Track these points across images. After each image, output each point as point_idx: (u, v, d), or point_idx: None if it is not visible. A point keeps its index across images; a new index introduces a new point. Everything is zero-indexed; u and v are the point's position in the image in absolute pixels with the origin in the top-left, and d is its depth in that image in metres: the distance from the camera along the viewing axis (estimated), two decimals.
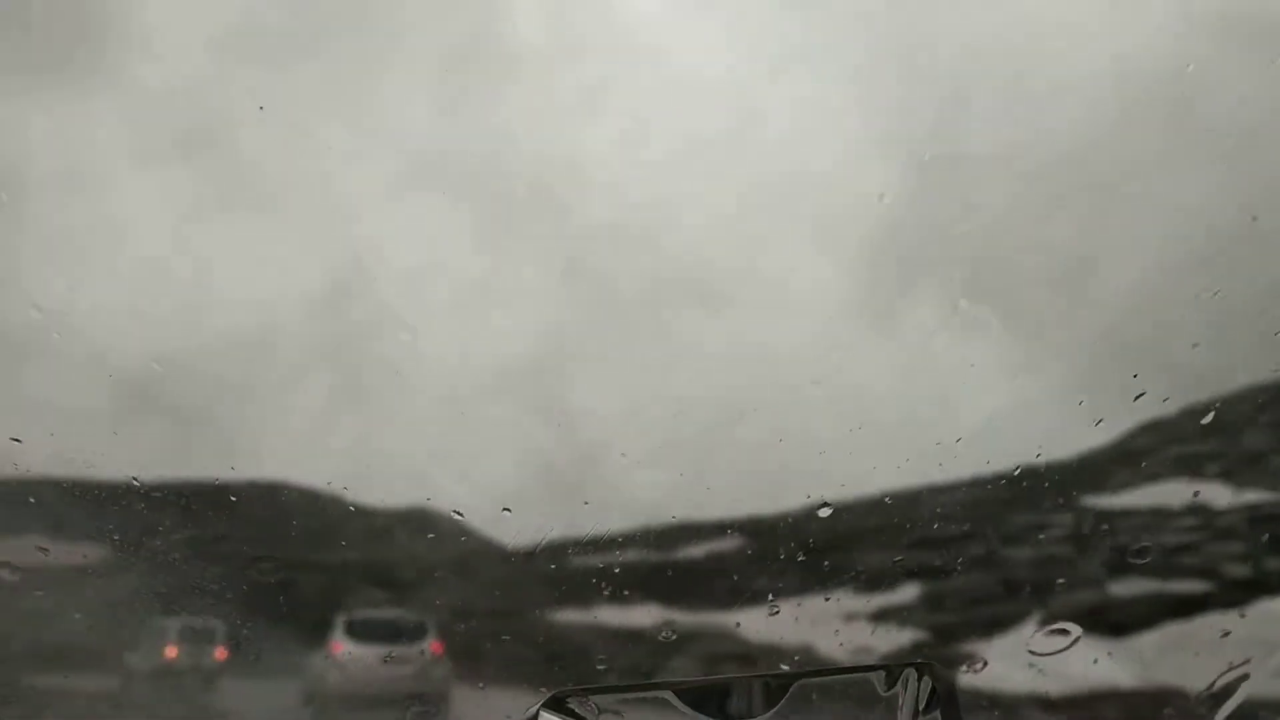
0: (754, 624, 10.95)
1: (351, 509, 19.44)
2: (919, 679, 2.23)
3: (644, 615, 11.51)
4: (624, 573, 12.46)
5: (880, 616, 12.15)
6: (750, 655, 11.22)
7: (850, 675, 2.20)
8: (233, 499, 18.72)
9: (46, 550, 17.13)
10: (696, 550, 12.80)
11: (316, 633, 13.65)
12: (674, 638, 12.02)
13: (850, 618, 11.60)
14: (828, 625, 10.25)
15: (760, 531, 14.48)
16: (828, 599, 10.09)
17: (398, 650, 13.05)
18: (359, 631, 13.49)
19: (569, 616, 12.46)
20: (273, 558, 16.47)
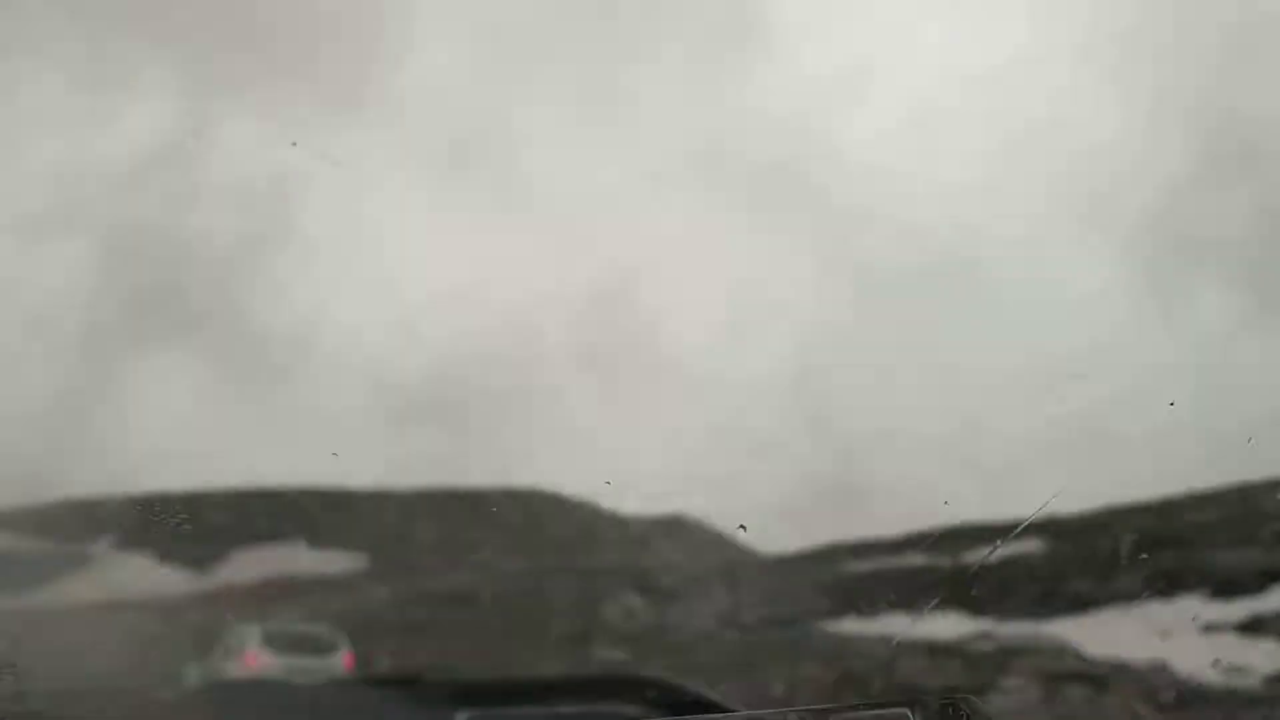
0: (1087, 635, 9.83)
1: (609, 516, 19.21)
2: (954, 714, 2.09)
3: (947, 625, 10.49)
4: (910, 578, 11.59)
5: (1251, 628, 10.59)
6: (1093, 674, 10.05)
7: (884, 709, 2.06)
8: (493, 509, 18.64)
9: (303, 557, 17.27)
10: (990, 552, 11.71)
11: (569, 640, 13.32)
12: (993, 650, 11.01)
13: (1211, 629, 10.20)
14: (1185, 638, 9.05)
15: (1066, 531, 13.35)
16: (1173, 605, 8.88)
17: (311, 662, 12.64)
18: (275, 643, 13.08)
19: (853, 627, 11.68)
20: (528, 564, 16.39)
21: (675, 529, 20.09)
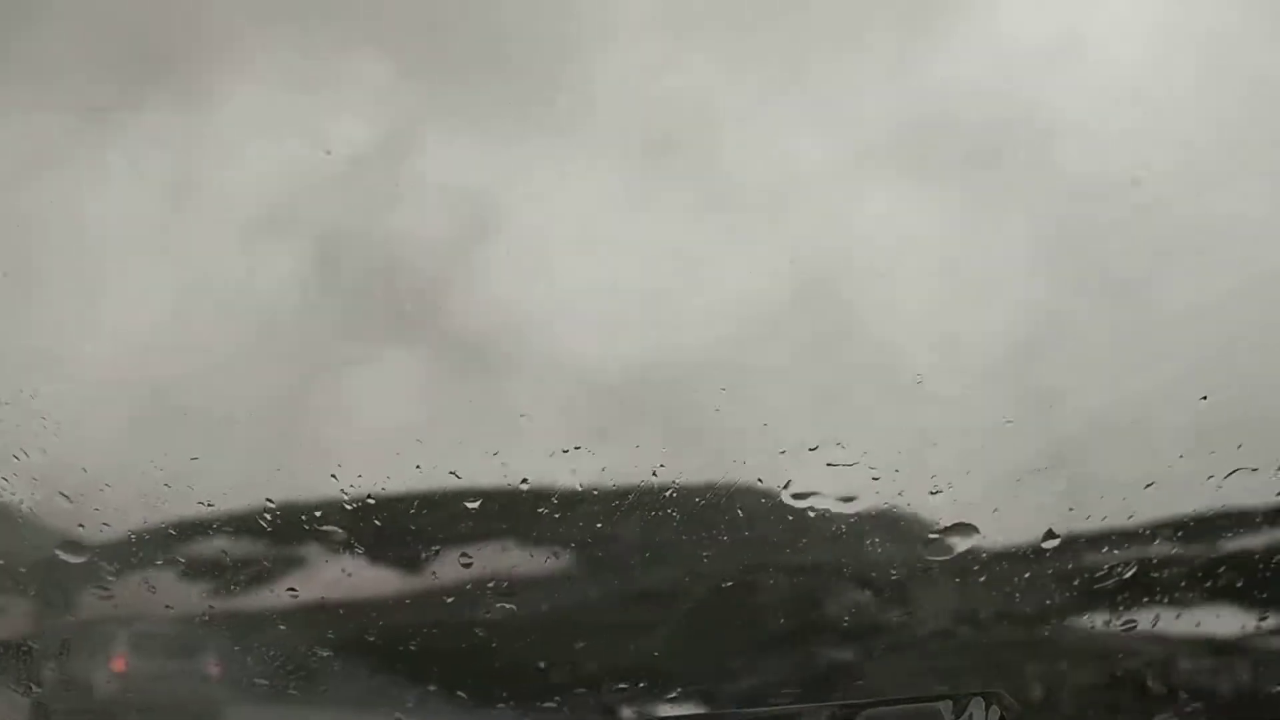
0: None
1: (819, 512, 18.54)
2: (986, 709, 2.40)
3: (1226, 620, 9.57)
4: (1164, 568, 10.65)
5: None
6: None
7: (917, 705, 2.35)
8: (698, 501, 18.23)
9: (470, 561, 17.16)
10: (1253, 541, 10.71)
11: (789, 638, 12.77)
12: None
13: None
14: None
15: None
16: None
17: (180, 666, 13.33)
18: (142, 646, 13.66)
19: (1107, 622, 10.85)
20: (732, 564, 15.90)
21: (889, 523, 19.34)
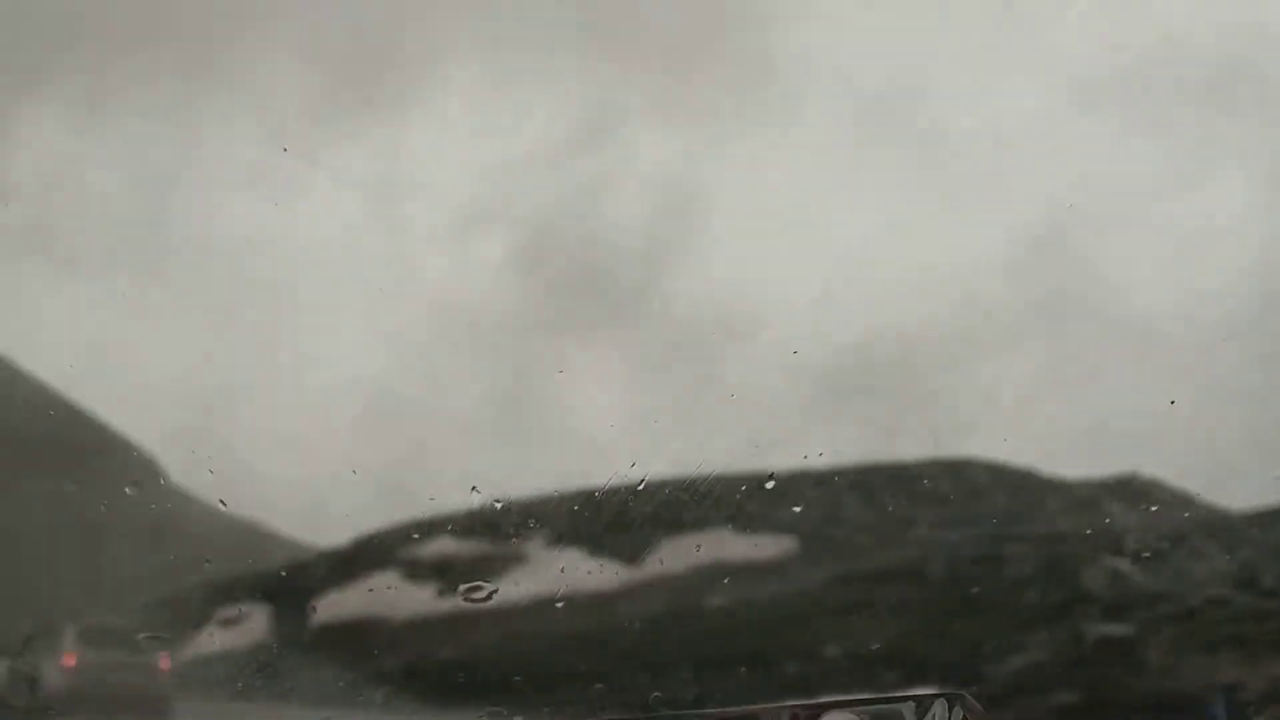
0: None
1: (1049, 481, 17.74)
2: (949, 710, 2.09)
3: None
4: None
5: None
6: None
7: (880, 705, 2.07)
8: (924, 481, 17.67)
9: (730, 543, 16.92)
10: None
11: (1049, 613, 12.11)
12: None
13: None
14: None
15: None
16: None
17: (129, 659, 13.06)
18: (92, 640, 13.44)
19: None
20: (968, 536, 15.31)
21: (1126, 490, 18.42)
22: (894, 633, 9.34)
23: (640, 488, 18.15)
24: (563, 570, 18.81)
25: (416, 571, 18.14)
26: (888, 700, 2.10)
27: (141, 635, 13.14)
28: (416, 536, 19.17)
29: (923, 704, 2.11)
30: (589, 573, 18.58)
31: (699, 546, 18.61)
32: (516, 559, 18.56)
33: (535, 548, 18.99)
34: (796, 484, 20.07)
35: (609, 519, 19.92)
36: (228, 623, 20.32)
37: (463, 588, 20.18)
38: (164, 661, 13.13)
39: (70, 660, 12.66)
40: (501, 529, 19.68)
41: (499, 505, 20.34)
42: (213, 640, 20.04)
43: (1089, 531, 14.62)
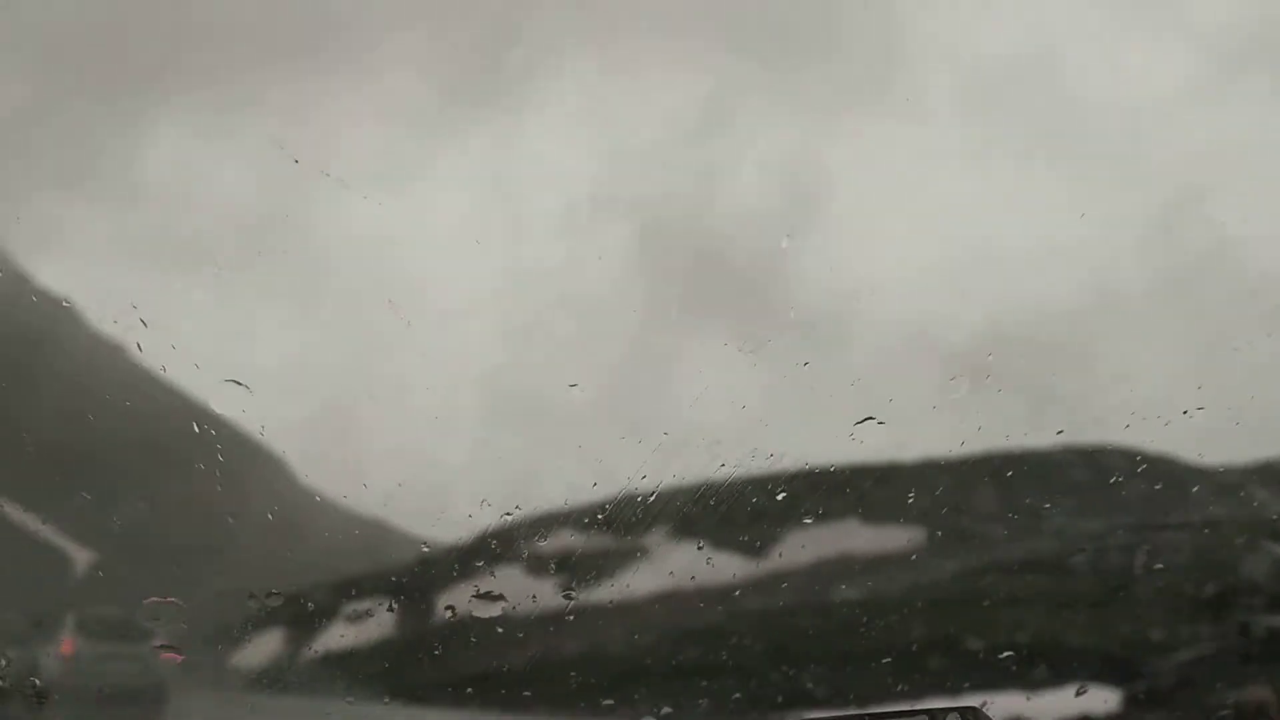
0: None
1: (1189, 466, 17.07)
2: None
3: None
4: None
5: None
6: None
7: (898, 718, 2.01)
8: (1054, 466, 17.12)
9: (857, 535, 16.58)
10: None
11: (1208, 604, 11.55)
12: None
13: None
14: None
15: None
16: None
17: (124, 648, 13.12)
18: (89, 630, 13.49)
19: None
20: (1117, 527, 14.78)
21: (1273, 475, 17.66)
22: (1042, 626, 8.95)
23: (762, 478, 17.89)
24: (684, 564, 18.66)
25: (539, 567, 18.07)
26: (902, 714, 1.91)
27: (155, 644, 13.42)
28: (539, 532, 19.12)
29: (935, 718, 2.02)
30: (712, 566, 18.38)
31: (816, 540, 18.32)
32: (639, 553, 18.45)
33: (657, 541, 18.86)
34: (924, 473, 19.61)
35: (731, 511, 19.70)
36: (354, 619, 20.54)
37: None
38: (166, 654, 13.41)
39: (68, 648, 13.09)
40: (623, 523, 19.54)
41: (620, 499, 20.24)
42: (340, 637, 20.26)
43: (1237, 518, 14.02)
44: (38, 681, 12.57)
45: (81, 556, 48.08)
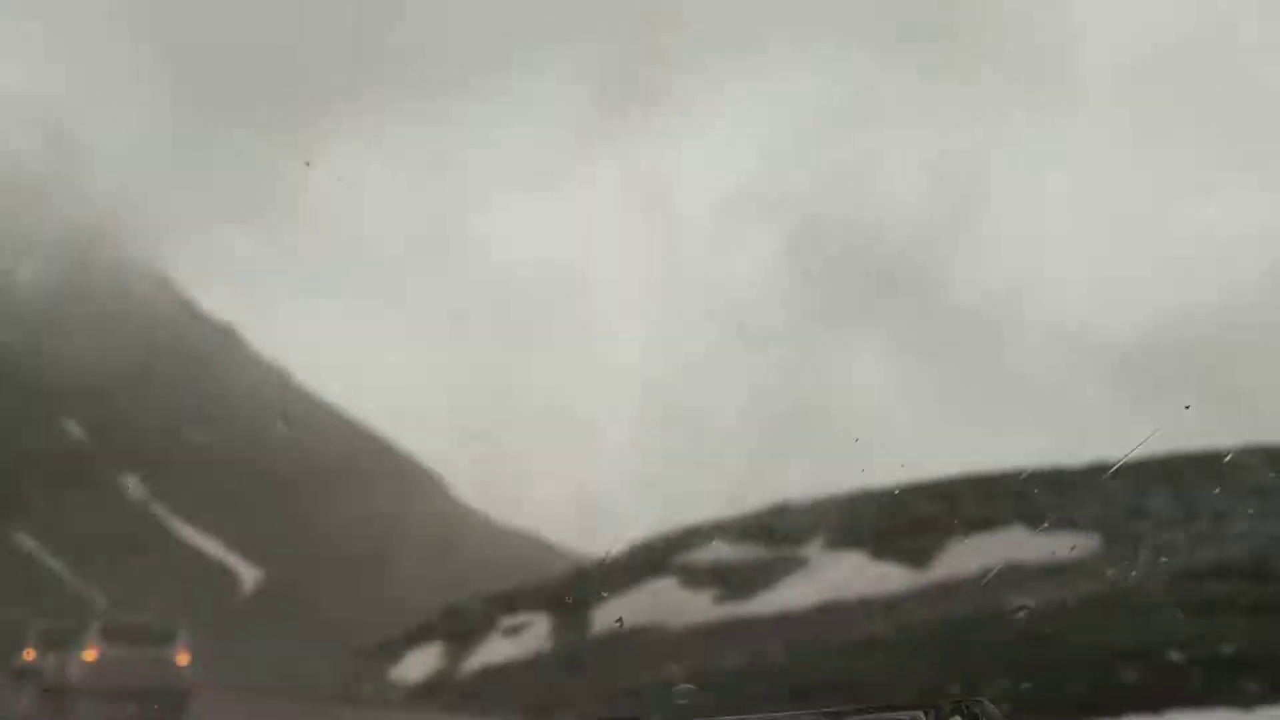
0: None
1: None
2: (966, 718, 2.01)
3: None
4: None
5: None
6: None
7: (896, 713, 1.96)
8: (1236, 468, 16.21)
9: (1025, 543, 15.93)
10: None
11: None
12: None
13: None
14: None
15: None
16: None
17: (148, 653, 13.68)
18: (113, 635, 13.98)
19: None
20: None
21: None
22: (1243, 634, 8.40)
23: (923, 485, 17.41)
24: (844, 574, 18.26)
25: (695, 579, 17.91)
26: (905, 708, 1.95)
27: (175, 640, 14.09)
28: (693, 543, 18.96)
29: (941, 712, 1.97)
30: (874, 575, 17.94)
31: (981, 548, 17.73)
32: (796, 563, 18.10)
33: (815, 550, 18.48)
34: (1094, 477, 18.84)
35: (892, 518, 19.25)
36: (510, 632, 20.63)
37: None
38: (182, 652, 14.16)
39: (93, 653, 13.76)
40: (780, 532, 19.27)
41: (775, 508, 19.96)
42: (497, 649, 20.37)
43: None
44: (63, 682, 13.49)
45: (249, 574, 49.59)
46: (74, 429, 51.70)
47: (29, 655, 15.67)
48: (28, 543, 44.48)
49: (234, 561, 47.16)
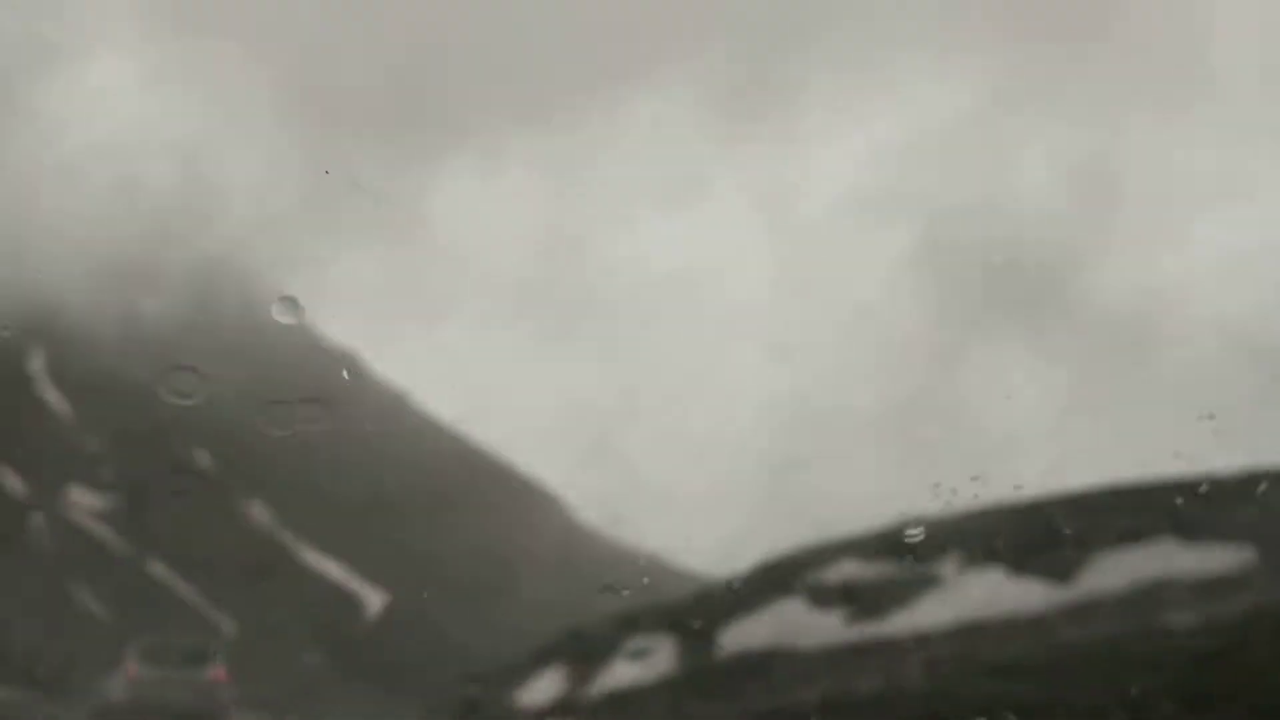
0: None
1: None
2: None
3: None
4: None
5: None
6: None
7: None
8: None
9: (1175, 557, 15.12)
10: None
11: None
12: None
13: None
14: None
15: None
16: None
17: (187, 673, 13.94)
18: (152, 655, 14.18)
19: None
20: None
21: None
22: None
23: (1067, 495, 16.60)
24: (984, 592, 17.52)
25: (825, 598, 17.34)
26: None
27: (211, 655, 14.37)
28: (823, 560, 18.39)
29: None
30: (1015, 592, 17.18)
31: (1130, 563, 16.88)
32: (932, 580, 17.41)
33: (952, 567, 17.75)
34: (1250, 486, 17.79)
35: (1032, 532, 18.44)
36: (635, 655, 20.27)
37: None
38: (219, 671, 14.60)
39: (133, 672, 14.12)
40: (914, 548, 18.55)
41: (910, 521, 19.24)
42: (621, 673, 20.03)
43: None
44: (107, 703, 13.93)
45: (374, 598, 50.06)
46: (202, 458, 52.81)
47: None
48: (160, 570, 45.45)
49: (358, 586, 47.60)
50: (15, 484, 45.65)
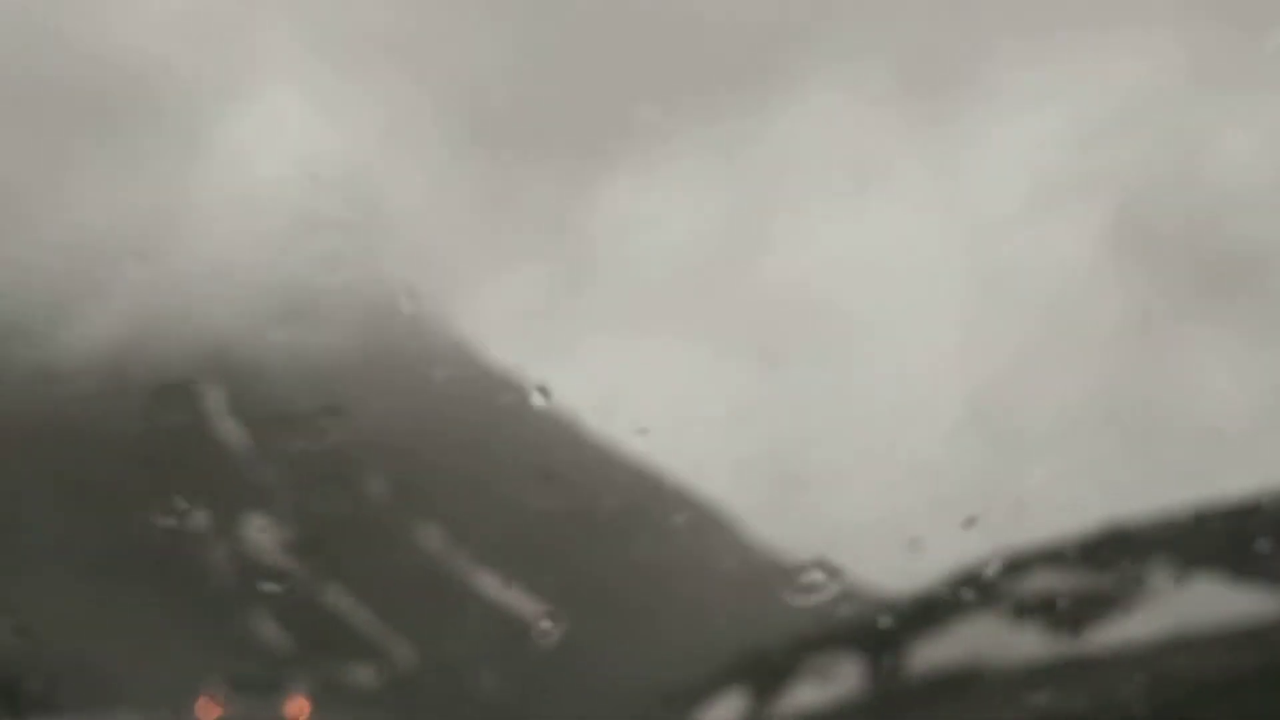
0: None
1: None
2: None
3: None
4: None
5: None
6: None
7: None
8: None
9: None
10: None
11: None
12: None
13: None
14: None
15: None
16: None
17: (266, 707, 14.36)
18: (234, 687, 14.65)
19: None
20: None
21: None
22: None
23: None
24: (1199, 602, 16.46)
25: (1026, 612, 16.52)
26: None
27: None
28: (1023, 572, 17.55)
29: None
30: (1231, 601, 16.10)
31: None
32: (1140, 590, 16.43)
33: (1161, 576, 16.73)
34: None
35: (1249, 534, 17.28)
36: (820, 675, 19.65)
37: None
38: (301, 704, 15.00)
39: (212, 708, 14.58)
40: (1119, 555, 17.58)
41: (1114, 526, 18.31)
42: (806, 694, 19.44)
43: None
44: None
45: (548, 621, 50.26)
46: (377, 485, 53.86)
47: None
48: (340, 598, 46.41)
49: (532, 608, 47.86)
50: (199, 518, 47.21)
